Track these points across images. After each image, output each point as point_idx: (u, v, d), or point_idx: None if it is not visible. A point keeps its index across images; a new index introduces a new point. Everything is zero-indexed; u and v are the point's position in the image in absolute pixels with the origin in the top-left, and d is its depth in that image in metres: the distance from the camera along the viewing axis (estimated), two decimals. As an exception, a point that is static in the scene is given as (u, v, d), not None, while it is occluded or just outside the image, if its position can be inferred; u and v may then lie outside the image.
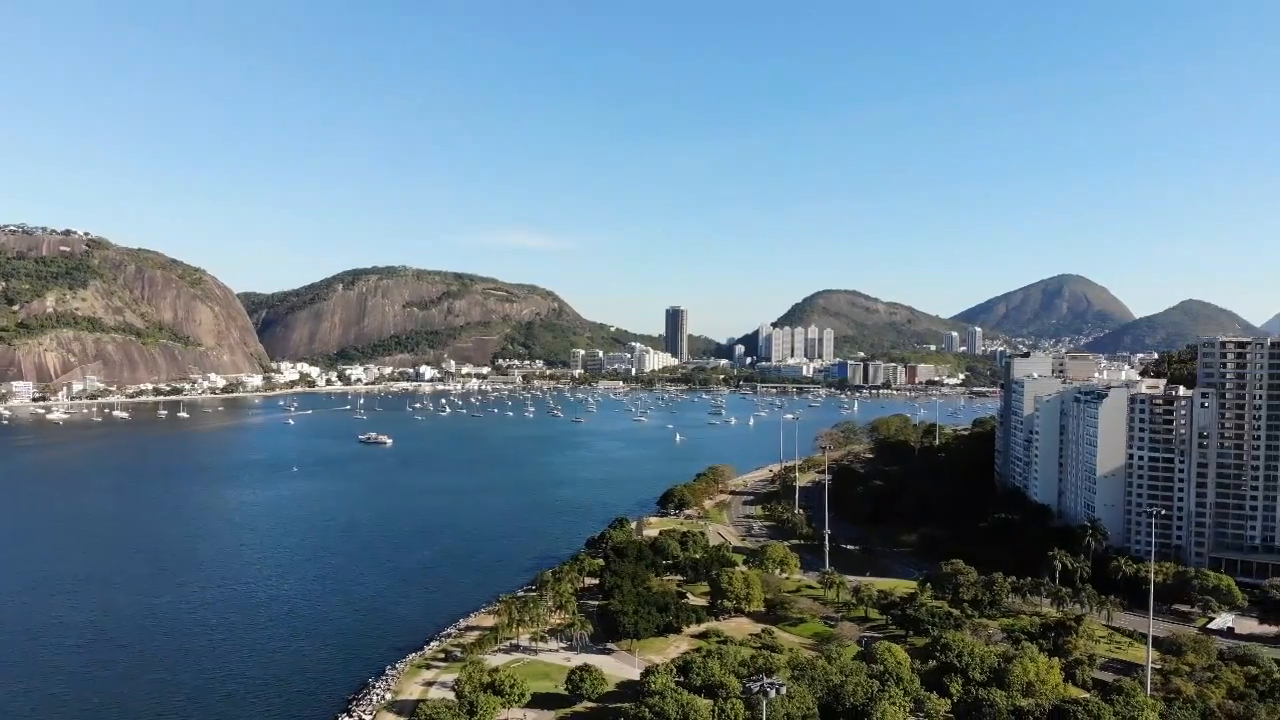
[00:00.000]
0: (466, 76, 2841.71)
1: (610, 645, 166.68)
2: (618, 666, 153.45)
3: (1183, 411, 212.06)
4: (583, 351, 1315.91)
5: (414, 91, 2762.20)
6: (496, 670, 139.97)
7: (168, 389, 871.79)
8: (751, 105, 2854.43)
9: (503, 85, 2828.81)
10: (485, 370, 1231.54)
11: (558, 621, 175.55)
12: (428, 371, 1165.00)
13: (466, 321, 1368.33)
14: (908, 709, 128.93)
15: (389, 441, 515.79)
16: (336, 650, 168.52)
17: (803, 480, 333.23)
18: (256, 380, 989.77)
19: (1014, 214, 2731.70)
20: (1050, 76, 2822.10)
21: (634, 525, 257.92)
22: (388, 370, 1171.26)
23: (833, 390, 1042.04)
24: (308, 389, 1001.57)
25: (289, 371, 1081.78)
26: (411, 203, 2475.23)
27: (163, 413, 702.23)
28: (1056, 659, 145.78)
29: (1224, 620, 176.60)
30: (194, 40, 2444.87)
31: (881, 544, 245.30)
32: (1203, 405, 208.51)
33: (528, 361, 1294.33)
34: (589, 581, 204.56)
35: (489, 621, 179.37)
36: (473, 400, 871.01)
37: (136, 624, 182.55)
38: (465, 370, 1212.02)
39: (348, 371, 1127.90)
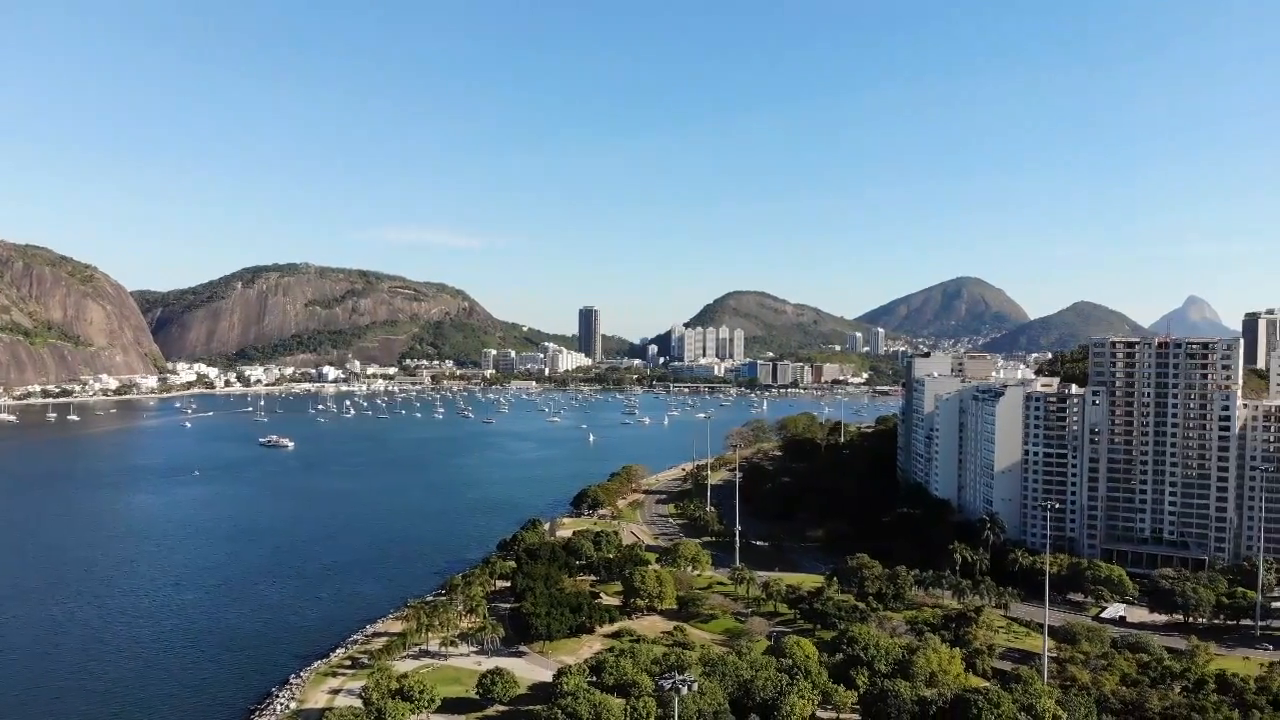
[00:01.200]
0: (371, 71, 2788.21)
1: (522, 648, 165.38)
2: (530, 669, 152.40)
3: (1075, 409, 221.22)
4: (494, 351, 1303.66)
5: (316, 85, 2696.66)
6: (405, 676, 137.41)
7: (57, 391, 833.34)
8: (662, 107, 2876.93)
9: (408, 80, 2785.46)
10: (392, 371, 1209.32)
11: (468, 625, 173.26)
12: (331, 372, 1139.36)
13: (372, 321, 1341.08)
14: (816, 702, 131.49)
15: (291, 444, 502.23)
16: (238, 660, 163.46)
17: (714, 478, 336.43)
18: (151, 382, 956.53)
19: (915, 218, 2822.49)
20: (946, 81, 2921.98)
21: (547, 526, 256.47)
22: (289, 371, 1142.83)
23: (743, 389, 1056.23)
24: (205, 390, 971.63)
25: (185, 372, 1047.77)
26: (315, 198, 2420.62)
27: (52, 416, 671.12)
28: (958, 649, 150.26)
29: (1116, 609, 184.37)
30: (83, 26, 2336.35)
31: (790, 540, 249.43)
32: (1094, 403, 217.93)
33: (437, 362, 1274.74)
34: (500, 584, 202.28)
35: (397, 627, 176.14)
36: (379, 402, 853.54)
37: (27, 638, 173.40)
38: (371, 371, 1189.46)
39: (247, 372, 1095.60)
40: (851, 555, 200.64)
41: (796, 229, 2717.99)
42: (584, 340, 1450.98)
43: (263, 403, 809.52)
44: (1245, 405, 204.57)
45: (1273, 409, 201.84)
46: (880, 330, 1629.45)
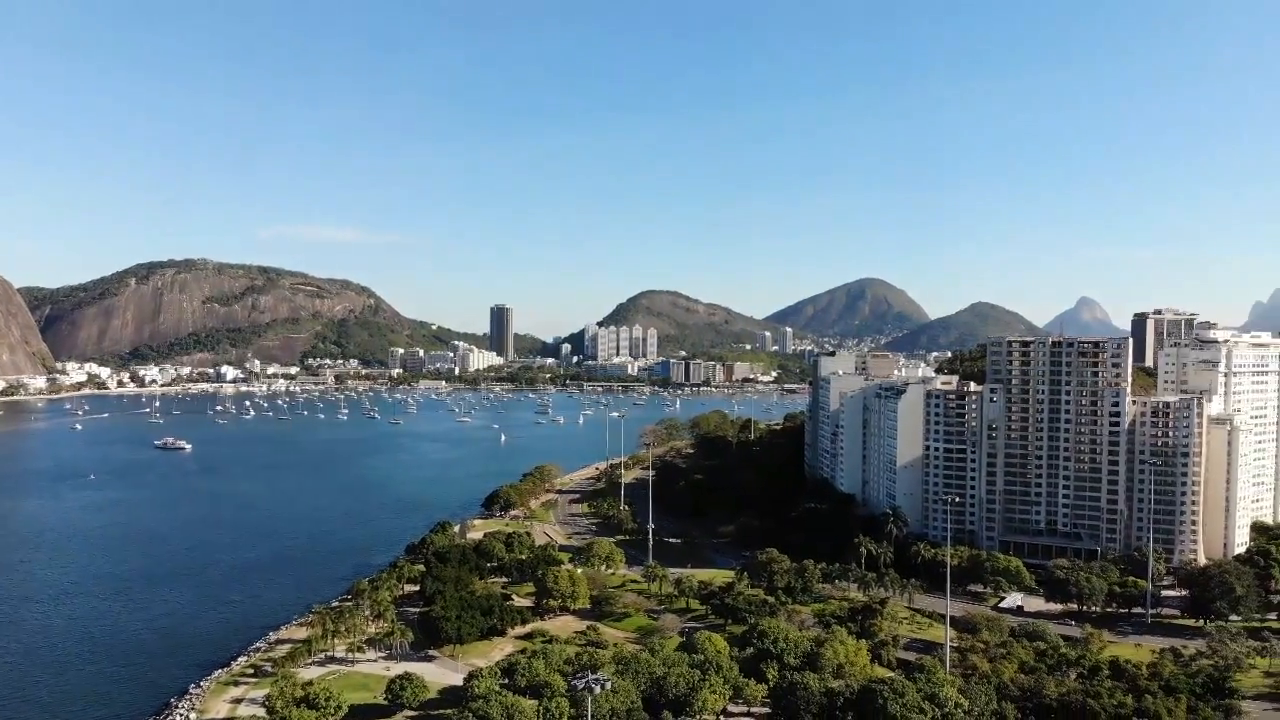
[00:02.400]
0: (271, 63, 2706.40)
1: (432, 652, 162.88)
2: (440, 673, 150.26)
3: (973, 406, 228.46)
4: (401, 350, 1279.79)
5: (214, 77, 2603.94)
6: (310, 684, 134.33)
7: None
8: (571, 106, 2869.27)
9: (307, 70, 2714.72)
10: (294, 370, 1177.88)
11: (376, 631, 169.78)
12: (230, 372, 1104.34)
13: (273, 319, 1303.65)
14: (727, 696, 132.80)
15: (188, 447, 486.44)
16: (136, 671, 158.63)
17: (628, 477, 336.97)
18: (39, 382, 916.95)
19: (821, 219, 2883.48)
20: (845, 93, 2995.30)
21: (457, 528, 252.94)
22: (186, 371, 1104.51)
23: (656, 388, 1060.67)
24: (98, 391, 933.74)
25: (76, 373, 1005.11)
26: (212, 192, 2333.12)
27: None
28: (864, 641, 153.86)
29: (1014, 599, 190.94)
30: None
31: (703, 536, 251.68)
32: (991, 400, 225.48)
33: (341, 361, 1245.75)
34: (409, 588, 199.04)
35: (301, 634, 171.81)
36: (280, 402, 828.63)
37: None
38: (272, 370, 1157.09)
39: (142, 372, 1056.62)
40: (761, 550, 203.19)
41: (708, 230, 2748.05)
42: (496, 339, 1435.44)
43: (158, 404, 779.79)
44: (1134, 401, 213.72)
45: (1160, 405, 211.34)
46: (788, 330, 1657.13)
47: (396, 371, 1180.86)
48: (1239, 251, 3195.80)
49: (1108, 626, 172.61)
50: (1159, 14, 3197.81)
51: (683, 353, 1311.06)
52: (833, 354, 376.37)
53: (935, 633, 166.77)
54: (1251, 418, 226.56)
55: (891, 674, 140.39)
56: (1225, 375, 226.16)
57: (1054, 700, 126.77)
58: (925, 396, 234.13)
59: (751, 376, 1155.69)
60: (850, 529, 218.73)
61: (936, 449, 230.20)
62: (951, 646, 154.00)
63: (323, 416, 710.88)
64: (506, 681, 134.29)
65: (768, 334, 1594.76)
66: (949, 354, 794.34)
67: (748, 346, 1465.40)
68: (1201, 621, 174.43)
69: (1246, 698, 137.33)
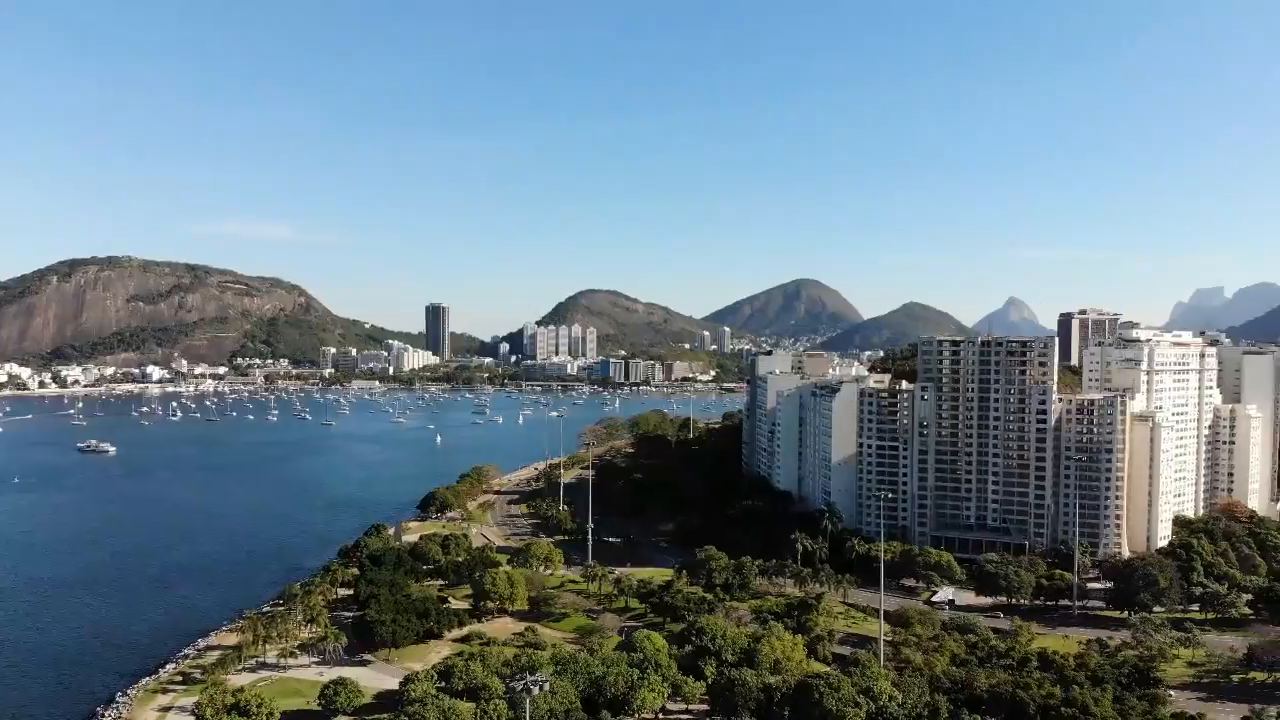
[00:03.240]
0: (199, 55, 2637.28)
1: (367, 656, 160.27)
2: (376, 677, 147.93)
3: (905, 404, 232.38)
4: (334, 350, 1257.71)
5: (140, 69, 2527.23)
6: (241, 690, 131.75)
7: None
8: (509, 105, 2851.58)
9: (240, 65, 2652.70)
10: (222, 370, 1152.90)
11: (309, 636, 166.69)
12: (156, 372, 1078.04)
13: (201, 317, 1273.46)
14: (666, 694, 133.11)
15: (112, 450, 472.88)
16: (61, 679, 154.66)
17: (568, 477, 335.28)
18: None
19: (759, 220, 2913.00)
20: (786, 94, 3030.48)
21: (392, 531, 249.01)
22: (110, 371, 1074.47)
23: (596, 387, 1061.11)
24: (18, 393, 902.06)
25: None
26: (138, 187, 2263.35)
27: None
28: (800, 636, 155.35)
29: (945, 593, 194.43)
30: None
31: (642, 535, 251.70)
32: (923, 398, 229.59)
33: (271, 361, 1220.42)
34: (343, 592, 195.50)
35: (232, 640, 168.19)
36: (208, 403, 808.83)
37: None
38: (199, 371, 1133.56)
39: (64, 373, 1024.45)
40: (700, 548, 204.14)
41: (647, 229, 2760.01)
42: (432, 338, 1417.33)
43: (81, 405, 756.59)
44: (1060, 399, 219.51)
45: (1085, 403, 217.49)
46: (726, 329, 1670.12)
47: (329, 371, 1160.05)
48: (1161, 253, 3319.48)
49: (1036, 619, 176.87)
50: (1075, 18, 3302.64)
51: (622, 352, 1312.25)
52: (770, 353, 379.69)
53: (870, 627, 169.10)
54: (1173, 415, 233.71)
55: (827, 668, 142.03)
56: (1147, 374, 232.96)
57: (985, 692, 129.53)
58: (859, 395, 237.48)
59: (690, 376, 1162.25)
60: (787, 525, 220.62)
61: (870, 446, 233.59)
62: (885, 640, 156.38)
63: (252, 418, 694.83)
64: (443, 685, 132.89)
65: (706, 333, 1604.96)
66: (882, 353, 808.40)
67: (687, 346, 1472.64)
68: (1126, 613, 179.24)
69: (1170, 687, 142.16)
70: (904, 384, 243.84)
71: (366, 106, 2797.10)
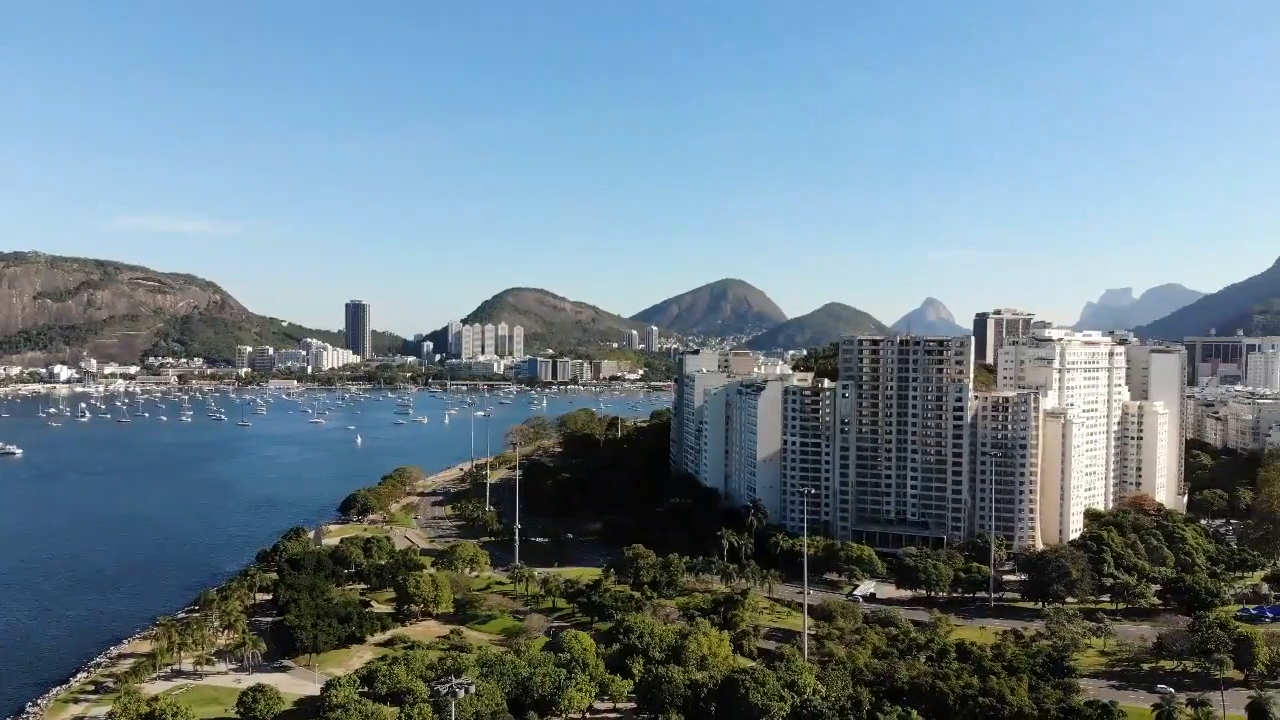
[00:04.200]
0: (110, 43, 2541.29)
1: (287, 662, 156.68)
2: (296, 683, 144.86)
3: (827, 401, 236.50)
4: (250, 348, 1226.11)
5: (45, 54, 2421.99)
6: (156, 699, 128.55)
7: None
8: (433, 100, 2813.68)
9: (154, 54, 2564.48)
10: (134, 370, 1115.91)
11: (226, 642, 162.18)
12: (64, 372, 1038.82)
13: (111, 315, 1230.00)
14: (593, 693, 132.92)
15: (19, 452, 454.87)
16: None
17: (494, 477, 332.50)
18: None
19: (686, 221, 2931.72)
20: (709, 94, 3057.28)
21: (312, 534, 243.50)
22: (15, 371, 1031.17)
23: (523, 386, 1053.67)
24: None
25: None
26: (43, 180, 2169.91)
27: None
28: (727, 632, 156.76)
29: (867, 587, 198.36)
30: None
31: (570, 534, 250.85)
32: (844, 396, 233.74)
33: (184, 360, 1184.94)
34: (261, 597, 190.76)
35: (146, 647, 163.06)
36: (119, 404, 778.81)
37: None
38: (110, 370, 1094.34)
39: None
40: (628, 546, 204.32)
41: (574, 227, 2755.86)
42: (352, 336, 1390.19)
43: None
44: (976, 397, 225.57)
45: (1000, 400, 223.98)
46: (654, 328, 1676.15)
47: (245, 371, 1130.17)
48: (1072, 255, 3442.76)
49: (954, 611, 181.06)
50: (984, 25, 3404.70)
51: (550, 351, 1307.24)
52: (697, 352, 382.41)
53: (794, 621, 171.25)
54: (1084, 412, 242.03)
55: (753, 663, 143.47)
56: (1059, 372, 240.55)
57: (906, 683, 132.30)
58: (783, 393, 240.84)
59: (619, 375, 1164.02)
60: (714, 522, 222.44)
61: (793, 443, 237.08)
62: (809, 634, 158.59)
63: (165, 419, 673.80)
64: (366, 690, 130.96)
65: (634, 333, 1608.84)
66: (805, 352, 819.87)
67: (615, 345, 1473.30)
68: (1040, 604, 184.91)
69: (1083, 676, 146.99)
70: (826, 382, 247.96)
71: (284, 99, 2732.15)
